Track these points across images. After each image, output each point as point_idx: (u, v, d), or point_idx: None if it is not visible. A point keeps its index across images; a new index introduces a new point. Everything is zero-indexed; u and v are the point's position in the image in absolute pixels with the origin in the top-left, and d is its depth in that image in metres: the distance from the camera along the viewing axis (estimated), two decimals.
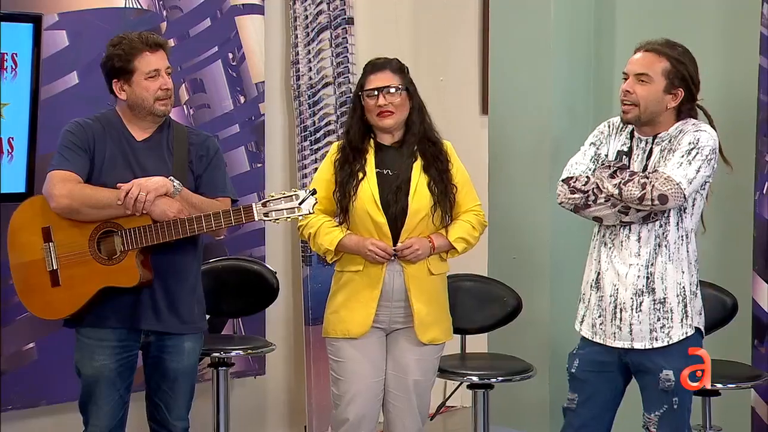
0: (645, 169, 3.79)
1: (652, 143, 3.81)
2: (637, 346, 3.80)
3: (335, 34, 5.62)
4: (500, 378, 4.58)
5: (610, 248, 3.83)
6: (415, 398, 4.16)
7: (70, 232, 3.82)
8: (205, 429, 4.91)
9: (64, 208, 3.79)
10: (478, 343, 5.05)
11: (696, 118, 3.84)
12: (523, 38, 5.17)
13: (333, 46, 5.60)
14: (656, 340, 3.78)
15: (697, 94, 3.83)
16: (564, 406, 3.96)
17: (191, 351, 3.97)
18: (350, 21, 5.65)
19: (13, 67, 4.38)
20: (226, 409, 4.86)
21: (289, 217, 3.78)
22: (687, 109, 3.82)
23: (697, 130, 3.76)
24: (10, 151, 4.41)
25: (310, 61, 5.56)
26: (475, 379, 4.59)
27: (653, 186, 3.67)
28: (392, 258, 4.05)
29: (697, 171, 3.70)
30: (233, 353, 4.83)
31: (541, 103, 5.12)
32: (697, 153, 3.71)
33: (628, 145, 3.86)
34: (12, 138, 4.40)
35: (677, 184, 3.67)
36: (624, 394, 3.94)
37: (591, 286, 3.89)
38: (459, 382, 4.70)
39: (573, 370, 3.92)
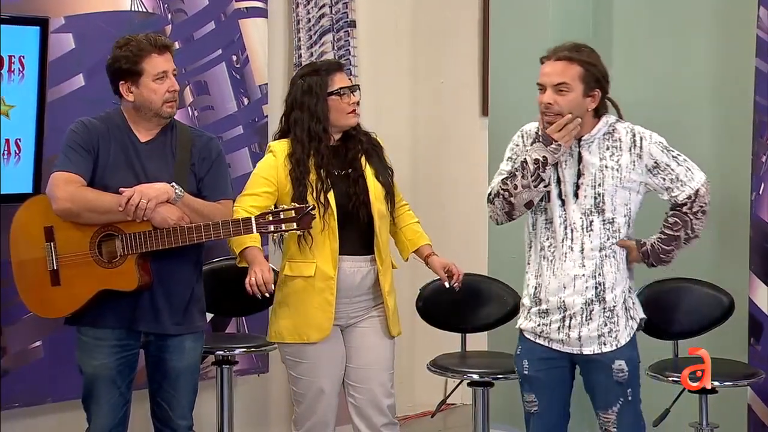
0: (579, 173, 3.78)
1: (579, 146, 3.80)
2: (586, 351, 3.83)
3: (337, 36, 5.65)
4: (500, 376, 4.59)
5: (551, 261, 3.84)
6: (380, 392, 4.16)
7: (72, 233, 3.82)
8: (209, 426, 4.94)
9: (64, 211, 3.79)
10: (478, 342, 5.09)
11: (606, 111, 3.85)
12: (522, 41, 5.20)
13: (335, 48, 5.63)
14: (605, 345, 3.82)
15: (608, 90, 3.84)
16: (526, 411, 3.98)
17: (192, 350, 3.97)
18: (352, 24, 5.68)
19: (21, 69, 4.41)
20: (230, 406, 4.89)
21: (286, 231, 3.82)
22: (602, 105, 3.83)
23: (642, 131, 3.81)
24: (17, 152, 4.44)
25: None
26: (475, 377, 4.61)
27: (700, 199, 3.79)
28: (266, 296, 3.94)
29: (685, 158, 3.83)
30: (237, 351, 4.86)
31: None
32: (671, 150, 3.82)
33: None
34: (19, 139, 4.43)
35: (705, 182, 3.80)
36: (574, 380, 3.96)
37: (531, 298, 3.89)
38: (459, 380, 4.72)
39: (526, 372, 3.93)
